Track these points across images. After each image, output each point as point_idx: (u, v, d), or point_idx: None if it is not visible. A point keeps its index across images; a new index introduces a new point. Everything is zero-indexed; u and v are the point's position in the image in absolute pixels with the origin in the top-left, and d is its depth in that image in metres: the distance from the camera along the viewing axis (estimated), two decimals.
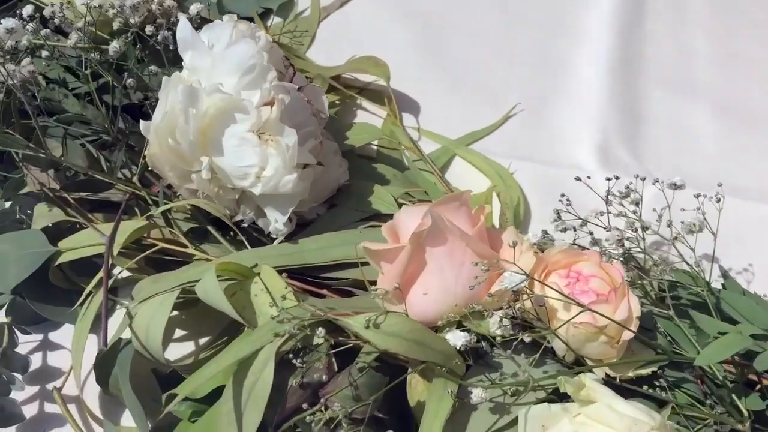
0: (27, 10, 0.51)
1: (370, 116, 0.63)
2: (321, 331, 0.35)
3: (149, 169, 0.52)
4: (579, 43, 0.70)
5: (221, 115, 0.44)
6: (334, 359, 0.38)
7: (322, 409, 0.35)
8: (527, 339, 0.36)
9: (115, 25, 0.53)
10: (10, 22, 0.47)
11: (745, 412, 0.38)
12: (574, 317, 0.37)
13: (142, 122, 0.47)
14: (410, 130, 0.61)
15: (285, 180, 0.44)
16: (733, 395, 0.39)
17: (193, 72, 0.47)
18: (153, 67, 0.56)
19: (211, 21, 0.49)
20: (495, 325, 0.38)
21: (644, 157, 0.60)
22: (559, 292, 0.38)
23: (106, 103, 0.56)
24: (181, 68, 0.55)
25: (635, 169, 0.58)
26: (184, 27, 0.47)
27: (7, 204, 0.53)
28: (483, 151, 0.60)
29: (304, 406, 0.36)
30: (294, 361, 0.37)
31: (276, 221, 0.46)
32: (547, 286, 0.39)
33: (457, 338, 0.38)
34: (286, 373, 0.38)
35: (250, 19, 0.69)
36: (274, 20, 0.71)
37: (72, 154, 0.51)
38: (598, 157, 0.60)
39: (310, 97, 0.51)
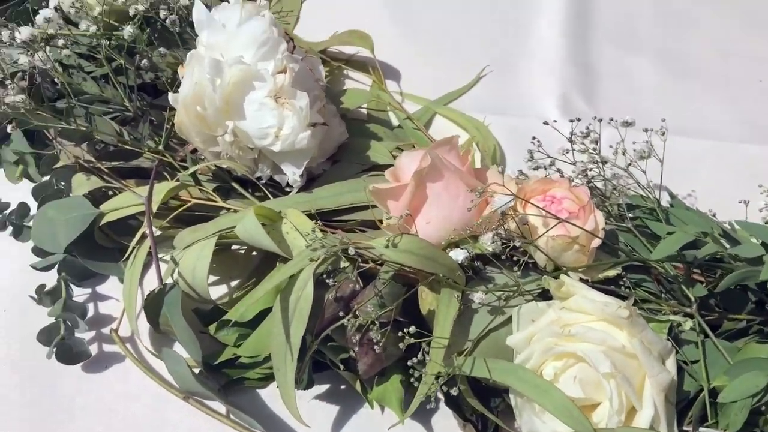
0: (53, 1, 0.57)
1: (356, 84, 0.70)
2: (351, 249, 0.43)
3: (173, 137, 0.59)
4: (535, 7, 0.78)
5: (242, 83, 0.51)
6: (359, 277, 0.45)
7: (355, 316, 0.43)
8: (517, 244, 0.44)
9: (131, 11, 0.59)
10: (47, 12, 0.53)
11: (692, 298, 0.47)
12: (552, 228, 0.45)
13: (170, 94, 0.53)
14: (394, 94, 0.69)
15: (300, 137, 0.52)
16: (683, 287, 0.48)
17: (209, 48, 0.54)
18: (162, 49, 0.63)
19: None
20: (488, 241, 0.46)
21: (599, 105, 0.69)
22: (541, 209, 0.46)
23: (122, 84, 0.62)
24: (188, 48, 0.62)
25: (592, 116, 0.67)
26: (200, 9, 0.54)
27: (44, 178, 0.60)
28: (460, 109, 0.68)
29: (340, 314, 0.44)
30: (327, 281, 0.45)
31: (293, 173, 0.53)
32: (531, 203, 0.47)
33: (458, 254, 0.46)
34: (322, 291, 0.45)
35: None
36: (261, 2, 0.77)
37: (102, 128, 0.58)
38: (560, 107, 0.68)
39: (310, 67, 0.58)
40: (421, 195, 0.48)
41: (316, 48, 0.70)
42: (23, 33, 0.52)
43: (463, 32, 0.76)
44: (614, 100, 0.70)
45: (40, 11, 0.53)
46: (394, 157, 0.59)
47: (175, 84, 0.60)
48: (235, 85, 0.51)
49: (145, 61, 0.61)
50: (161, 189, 0.54)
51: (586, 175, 0.54)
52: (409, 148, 0.61)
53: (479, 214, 0.48)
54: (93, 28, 0.58)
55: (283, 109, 0.51)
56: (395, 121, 0.67)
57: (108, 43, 0.62)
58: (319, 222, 0.49)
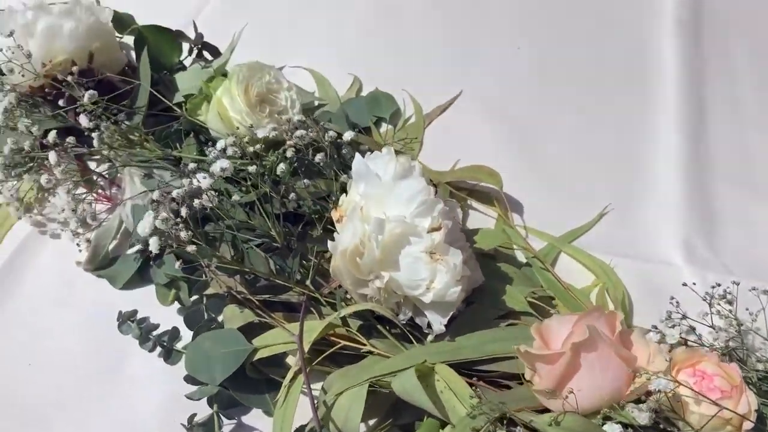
0: (220, 144, 0.62)
1: (480, 215, 0.73)
2: (519, 430, 0.45)
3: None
4: (652, 143, 0.80)
5: (399, 238, 0.54)
6: None
7: None
8: (678, 428, 0.45)
9: (288, 153, 0.63)
10: (224, 163, 0.57)
11: None
12: (714, 415, 0.46)
13: (330, 243, 0.56)
14: (517, 227, 0.71)
15: (451, 291, 0.54)
16: None
17: (365, 198, 0.57)
18: (306, 181, 0.66)
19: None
20: (645, 418, 0.47)
21: (722, 252, 0.70)
22: (696, 392, 0.47)
23: (267, 212, 0.66)
24: (329, 179, 0.65)
25: (716, 264, 0.68)
26: (359, 162, 0.58)
27: (191, 298, 0.63)
28: (583, 247, 0.70)
29: None
30: None
31: (439, 323, 0.56)
32: (682, 384, 0.48)
33: (613, 429, 0.47)
34: None
35: (367, 129, 0.80)
36: (387, 128, 0.81)
37: (255, 261, 0.61)
38: (683, 253, 0.69)
39: (452, 213, 0.61)
40: (574, 363, 0.50)
41: (443, 178, 0.73)
42: (203, 183, 0.55)
43: (580, 166, 0.78)
44: (738, 248, 0.71)
45: (217, 162, 0.57)
46: (529, 303, 0.61)
47: (322, 221, 0.64)
48: (393, 240, 0.54)
49: (293, 195, 0.64)
50: (311, 328, 0.57)
51: (728, 344, 0.55)
52: (542, 291, 0.64)
53: (628, 384, 0.49)
54: (252, 168, 0.61)
55: (436, 264, 0.54)
56: (520, 255, 0.69)
57: (256, 171, 0.66)
58: (476, 387, 0.51)
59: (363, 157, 0.61)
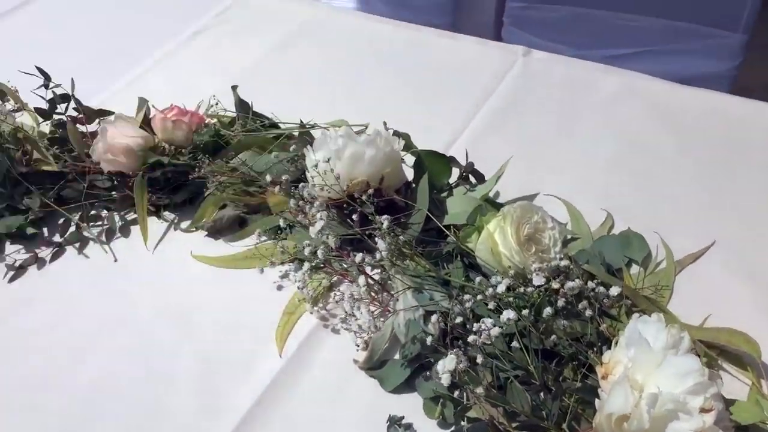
0: (501, 288, 0.70)
1: (728, 376, 0.74)
2: None
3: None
4: None
5: (669, 413, 0.58)
6: None
7: None
8: None
9: (560, 303, 0.70)
10: (511, 314, 0.65)
11: None
12: None
13: (597, 401, 0.62)
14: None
15: None
16: None
17: (633, 362, 0.62)
18: (565, 322, 0.72)
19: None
20: None
21: None
22: None
23: (525, 345, 0.72)
24: (585, 321, 0.70)
25: None
26: (632, 329, 0.63)
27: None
28: None
29: None
30: None
31: None
32: None
33: None
34: None
35: (619, 270, 0.84)
36: (639, 270, 0.84)
37: (518, 397, 0.68)
38: None
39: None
40: None
41: (695, 335, 0.75)
42: (493, 331, 0.63)
43: None
44: None
45: (504, 312, 0.65)
46: None
47: (580, 366, 0.69)
48: (663, 415, 0.58)
49: (553, 337, 0.71)
50: None
51: None
52: None
53: None
54: (525, 313, 0.69)
55: None
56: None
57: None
58: None
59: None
